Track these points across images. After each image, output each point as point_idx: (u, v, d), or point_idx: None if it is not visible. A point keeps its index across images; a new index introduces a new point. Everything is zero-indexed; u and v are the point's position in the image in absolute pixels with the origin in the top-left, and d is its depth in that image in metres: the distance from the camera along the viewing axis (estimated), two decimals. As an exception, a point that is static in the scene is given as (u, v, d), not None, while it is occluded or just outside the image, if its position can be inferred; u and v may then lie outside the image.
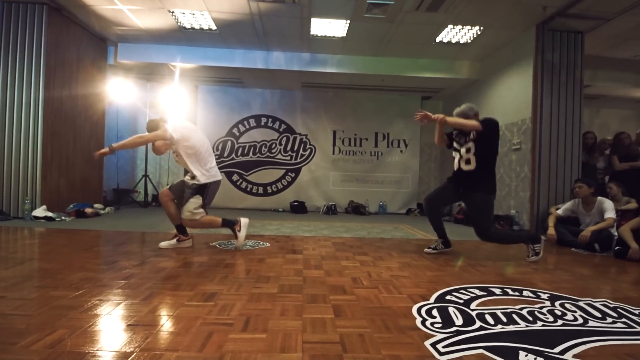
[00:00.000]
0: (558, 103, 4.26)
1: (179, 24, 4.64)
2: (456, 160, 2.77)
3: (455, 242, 3.51)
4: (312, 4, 4.01)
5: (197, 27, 4.73)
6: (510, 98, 4.78)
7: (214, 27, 4.69)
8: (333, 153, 6.81)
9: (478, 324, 1.43)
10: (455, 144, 2.80)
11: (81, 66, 4.80)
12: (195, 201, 2.66)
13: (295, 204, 6.38)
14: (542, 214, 4.15)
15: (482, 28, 4.44)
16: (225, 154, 6.68)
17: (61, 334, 1.19)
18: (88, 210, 4.42)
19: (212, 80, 6.36)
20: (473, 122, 2.55)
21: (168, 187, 2.80)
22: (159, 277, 1.94)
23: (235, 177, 6.69)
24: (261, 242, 3.12)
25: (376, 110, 6.83)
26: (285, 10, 4.16)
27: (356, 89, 6.52)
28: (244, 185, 6.72)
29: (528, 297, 1.82)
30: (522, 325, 1.44)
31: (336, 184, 6.80)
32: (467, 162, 2.66)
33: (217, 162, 6.64)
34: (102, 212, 4.74)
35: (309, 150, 6.79)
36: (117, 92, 5.55)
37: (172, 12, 4.32)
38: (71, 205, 4.43)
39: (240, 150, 6.70)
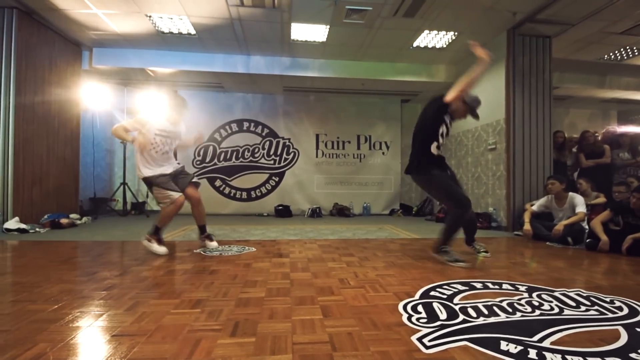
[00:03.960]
0: (530, 104, 4.47)
1: (156, 28, 4.56)
2: (435, 147, 2.55)
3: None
4: (292, 9, 4.04)
5: (175, 31, 4.66)
6: (485, 100, 4.90)
7: (193, 31, 4.64)
8: (316, 156, 6.84)
9: (461, 317, 1.49)
10: (444, 128, 2.57)
11: (54, 71, 4.63)
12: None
13: (280, 208, 6.37)
14: (518, 210, 4.32)
15: (456, 33, 4.60)
16: (207, 159, 6.59)
17: (42, 348, 1.15)
18: (64, 220, 4.25)
19: (192, 85, 6.28)
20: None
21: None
22: (143, 286, 1.90)
23: (218, 183, 6.61)
24: (247, 247, 3.09)
25: (358, 113, 6.92)
26: (265, 15, 4.17)
27: (338, 93, 6.60)
28: (227, 190, 6.64)
29: (507, 289, 1.90)
30: (502, 317, 1.50)
31: (320, 187, 6.83)
32: (439, 147, 2.57)
33: (198, 167, 6.63)
34: (78, 222, 4.56)
35: (292, 154, 6.79)
36: (93, 97, 5.39)
37: (150, 16, 4.25)
38: (46, 216, 4.24)
39: (223, 155, 6.62)
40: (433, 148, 2.52)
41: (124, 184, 5.82)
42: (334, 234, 4.06)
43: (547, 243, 3.47)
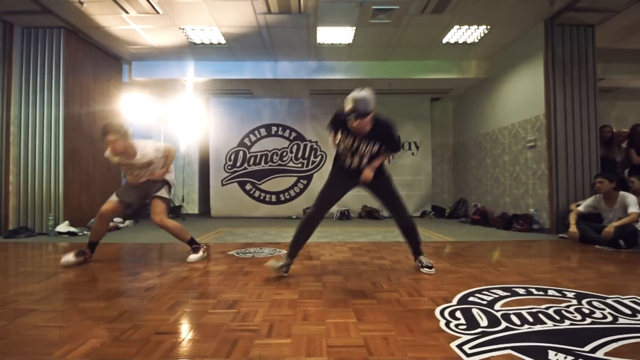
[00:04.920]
0: (572, 97, 4.19)
1: (189, 40, 4.78)
2: (347, 162, 2.27)
3: (474, 244, 3.47)
4: (318, 13, 4.07)
5: (207, 42, 4.85)
6: (522, 95, 4.72)
7: (223, 41, 4.81)
8: (344, 158, 6.81)
9: (504, 324, 1.41)
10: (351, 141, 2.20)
11: (98, 84, 4.98)
12: None
13: (308, 210, 6.39)
14: (562, 211, 4.05)
15: (488, 27, 4.42)
16: (238, 164, 6.78)
17: (93, 344, 1.23)
18: (110, 224, 4.53)
19: (223, 92, 6.49)
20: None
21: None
22: (182, 286, 1.98)
23: (248, 186, 6.77)
24: (278, 250, 3.14)
25: (385, 113, 6.78)
26: (291, 20, 4.24)
27: (364, 94, 6.54)
28: (257, 194, 6.78)
29: (553, 296, 1.79)
30: (549, 325, 1.41)
31: (348, 189, 6.79)
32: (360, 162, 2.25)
33: (230, 172, 6.83)
34: (121, 225, 4.85)
35: (319, 157, 6.82)
36: (132, 108, 5.72)
37: (183, 28, 4.46)
38: (92, 220, 4.55)
39: (252, 159, 6.78)
40: (341, 158, 2.29)
41: (161, 189, 6.12)
42: (363, 237, 4.02)
43: (596, 246, 3.22)
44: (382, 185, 2.32)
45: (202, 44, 4.91)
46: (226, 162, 6.76)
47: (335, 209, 6.52)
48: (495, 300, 1.72)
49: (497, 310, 1.57)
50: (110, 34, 4.59)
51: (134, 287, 1.97)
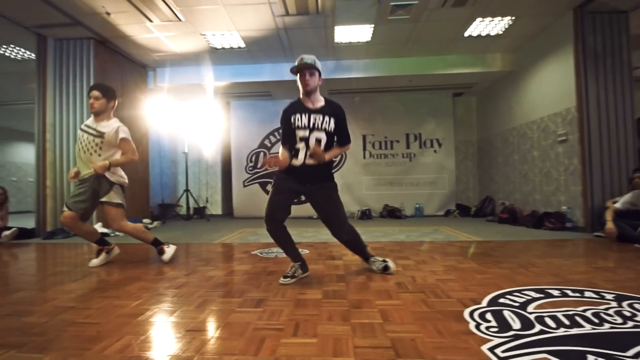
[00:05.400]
0: (605, 88, 3.96)
1: (210, 45, 4.89)
2: (301, 156, 2.05)
3: (503, 243, 3.36)
4: (336, 13, 4.06)
5: (227, 46, 4.95)
6: (551, 87, 4.51)
7: (242, 45, 4.89)
8: (364, 157, 6.77)
9: (538, 327, 1.35)
10: (300, 130, 2.04)
11: (125, 91, 5.18)
12: None
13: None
14: (597, 208, 3.84)
15: (513, 18, 4.25)
16: (259, 165, 6.87)
17: (128, 340, 1.28)
18: (139, 225, 4.71)
19: (243, 95, 6.60)
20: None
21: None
22: (209, 285, 2.03)
23: (269, 187, 6.84)
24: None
25: (406, 111, 6.72)
26: (309, 21, 4.25)
27: (384, 92, 6.48)
28: (278, 194, 6.84)
29: (591, 298, 1.69)
30: (587, 328, 1.34)
31: (369, 188, 6.73)
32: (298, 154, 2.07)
33: (251, 173, 6.96)
34: (150, 226, 5.03)
35: (339, 156, 6.80)
36: (157, 113, 5.92)
37: (204, 34, 4.57)
38: (122, 222, 4.75)
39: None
40: (293, 157, 2.07)
41: (186, 190, 6.31)
42: (386, 236, 3.97)
43: (636, 245, 3.03)
44: (325, 192, 2.13)
45: (223, 48, 5.01)
46: (247, 164, 6.87)
47: (356, 209, 6.49)
48: (528, 302, 1.65)
49: (530, 313, 1.50)
50: (136, 42, 4.77)
51: (163, 285, 2.04)
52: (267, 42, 4.80)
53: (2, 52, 4.85)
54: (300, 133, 2.03)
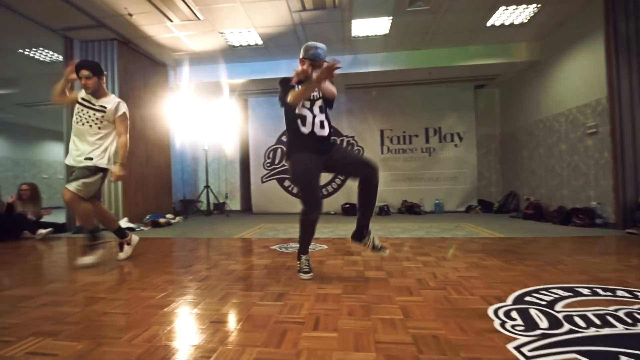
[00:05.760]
0: (639, 77, 3.73)
1: (228, 43, 4.95)
2: (309, 122, 2.02)
3: (528, 240, 3.25)
4: (353, 6, 4.01)
5: (244, 44, 4.99)
6: (580, 77, 4.30)
7: (260, 42, 4.92)
8: (382, 153, 6.70)
9: (567, 326, 1.31)
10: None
11: (147, 90, 5.33)
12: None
13: (347, 206, 6.38)
14: (629, 204, 3.65)
15: (539, 5, 4.07)
16: (277, 161, 6.93)
17: (155, 330, 1.33)
18: (162, 220, 4.87)
19: (260, 91, 6.65)
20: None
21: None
22: (230, 278, 2.07)
23: (287, 183, 6.90)
24: (318, 245, 3.16)
25: (425, 105, 6.58)
26: (326, 16, 4.22)
27: (402, 85, 6.36)
28: (295, 190, 6.89)
29: (623, 297, 1.62)
30: (619, 328, 1.28)
31: (387, 184, 6.66)
32: (322, 125, 2.05)
33: (269, 169, 7.05)
34: (173, 221, 5.18)
35: (356, 151, 6.75)
36: (178, 111, 6.06)
37: (222, 32, 4.62)
38: (147, 216, 4.92)
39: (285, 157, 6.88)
40: (300, 126, 2.02)
41: (207, 187, 6.44)
42: (405, 232, 3.92)
43: (674, 243, 2.87)
44: (339, 149, 2.10)
45: (240, 46, 5.06)
46: (265, 160, 6.94)
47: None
48: (556, 300, 1.59)
49: (559, 312, 1.45)
50: (157, 42, 4.88)
51: (187, 278, 2.10)
52: (284, 38, 4.81)
53: (32, 55, 5.08)
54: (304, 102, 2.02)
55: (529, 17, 4.36)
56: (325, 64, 1.83)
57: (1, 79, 6.08)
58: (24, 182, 4.42)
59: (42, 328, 1.37)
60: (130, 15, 4.09)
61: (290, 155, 2.06)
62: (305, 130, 2.02)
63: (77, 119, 2.57)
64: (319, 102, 2.06)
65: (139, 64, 5.17)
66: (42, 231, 3.99)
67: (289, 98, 1.93)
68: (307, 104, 2.04)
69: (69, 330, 1.34)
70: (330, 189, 6.81)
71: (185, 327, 1.38)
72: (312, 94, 2.02)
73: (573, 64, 4.43)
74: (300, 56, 2.07)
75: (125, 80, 4.83)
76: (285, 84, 2.03)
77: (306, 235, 2.13)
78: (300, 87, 1.94)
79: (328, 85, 2.04)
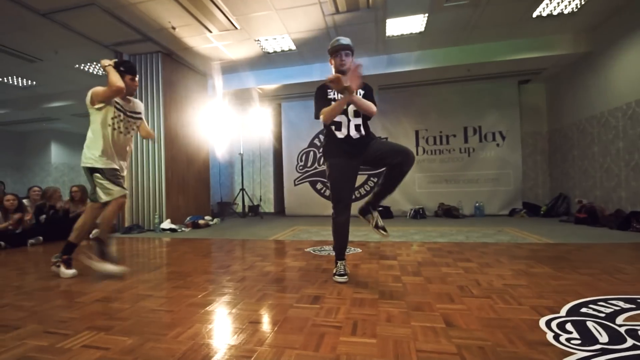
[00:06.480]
0: None
1: (263, 50, 5.08)
2: (344, 126, 2.06)
3: (581, 246, 2.99)
4: (387, 5, 3.95)
5: (278, 50, 5.10)
6: (638, 68, 3.90)
7: (293, 47, 5.00)
8: (417, 154, 6.50)
9: (630, 342, 1.18)
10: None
11: (189, 99, 5.62)
12: None
13: (380, 209, 6.25)
14: None
15: (592, -9, 3.76)
16: (309, 164, 6.98)
17: (198, 328, 1.38)
18: (201, 222, 5.09)
19: (293, 96, 6.75)
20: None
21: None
22: (266, 280, 2.11)
23: (319, 186, 6.93)
24: (352, 248, 3.13)
25: (463, 103, 6.31)
26: (359, 17, 4.19)
27: (438, 84, 6.15)
28: (327, 193, 6.85)
29: (701, 312, 1.43)
30: (693, 346, 1.13)
31: (422, 186, 6.46)
32: (357, 128, 2.07)
33: (301, 172, 7.12)
34: (211, 223, 5.40)
35: (365, 105, 6.61)
36: (216, 117, 6.32)
37: (258, 40, 4.76)
38: (188, 218, 5.16)
39: (322, 159, 6.90)
40: (335, 131, 2.06)
41: (242, 189, 6.65)
42: (443, 237, 3.77)
43: None
44: (373, 145, 2.08)
45: (275, 52, 5.17)
46: (298, 163, 7.02)
47: (408, 207, 6.27)
48: (616, 313, 1.44)
49: (620, 325, 1.32)
50: (197, 52, 5.13)
51: (226, 278, 2.16)
52: (317, 42, 4.85)
53: (86, 69, 5.54)
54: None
55: (578, 6, 4.04)
56: (350, 69, 1.91)
57: (60, 92, 6.71)
58: (73, 185, 4.64)
59: (96, 323, 1.48)
60: (174, 28, 4.34)
61: (326, 158, 2.14)
62: (341, 135, 2.06)
63: (117, 127, 2.34)
64: (353, 106, 2.06)
65: (181, 74, 5.46)
66: (95, 231, 4.30)
67: (322, 117, 2.00)
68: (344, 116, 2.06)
69: (119, 326, 1.43)
70: (362, 191, 6.74)
71: (226, 326, 1.42)
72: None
73: (629, 54, 4.03)
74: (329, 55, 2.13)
75: (168, 90, 5.12)
76: (319, 95, 2.08)
77: (340, 239, 2.12)
78: (334, 98, 2.02)
79: (362, 104, 2.01)
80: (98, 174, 2.28)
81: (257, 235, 4.18)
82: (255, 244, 3.58)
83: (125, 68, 2.36)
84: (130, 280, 2.18)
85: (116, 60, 2.40)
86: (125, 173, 2.45)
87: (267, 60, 5.51)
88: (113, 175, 2.31)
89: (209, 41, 4.75)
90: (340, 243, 2.13)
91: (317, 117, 2.06)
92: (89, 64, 5.36)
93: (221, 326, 1.41)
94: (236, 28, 4.38)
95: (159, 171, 4.98)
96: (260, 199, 7.30)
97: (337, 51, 2.08)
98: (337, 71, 2.09)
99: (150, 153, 5.01)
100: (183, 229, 4.79)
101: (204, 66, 5.72)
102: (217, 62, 5.53)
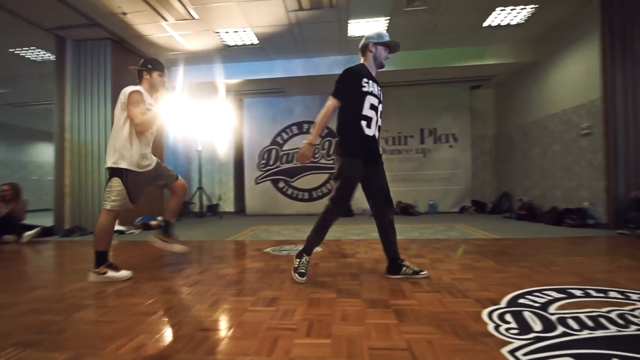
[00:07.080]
0: (634, 78, 3.75)
1: (223, 42, 4.90)
2: (374, 124, 2.03)
3: (521, 241, 3.26)
4: (350, 6, 3.99)
5: (240, 43, 4.95)
6: (575, 78, 4.33)
7: (255, 41, 4.88)
8: (377, 154, 6.68)
9: (560, 329, 1.30)
10: (372, 97, 2.00)
11: (140, 91, 5.26)
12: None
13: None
14: (621, 204, 3.67)
15: (536, 6, 4.08)
16: (271, 162, 6.88)
17: (142, 339, 1.29)
18: (153, 222, 4.81)
19: (256, 92, 6.61)
20: (326, 106, 2.05)
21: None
22: (222, 283, 2.03)
23: (281, 184, 6.86)
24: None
25: (420, 105, 6.59)
26: (322, 16, 4.20)
27: (397, 86, 6.36)
28: (289, 191, 6.85)
29: (616, 298, 1.62)
30: (612, 330, 1.28)
31: (382, 184, 6.65)
32: (379, 129, 2.10)
33: (263, 170, 7.01)
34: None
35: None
36: (173, 111, 5.99)
37: (218, 32, 4.58)
38: (139, 219, 4.85)
39: (285, 157, 6.85)
40: (364, 127, 2.02)
41: (200, 188, 6.38)
42: (399, 234, 3.84)
43: (666, 243, 2.89)
44: (382, 167, 2.12)
45: (236, 45, 5.02)
46: (259, 161, 6.89)
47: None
48: (549, 302, 1.58)
49: (552, 314, 1.44)
50: (151, 41, 4.82)
51: (177, 283, 2.06)
52: (280, 38, 4.78)
53: (22, 54, 4.99)
54: (372, 100, 1.99)
55: (525, 18, 4.38)
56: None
57: (-10, 78, 5.99)
58: (4, 183, 4.18)
59: (24, 338, 1.33)
60: (124, 14, 4.03)
61: (345, 155, 2.00)
62: (370, 132, 2.00)
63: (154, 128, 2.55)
64: (381, 107, 2.06)
65: (133, 63, 5.04)
66: (29, 233, 3.91)
67: (333, 101, 2.01)
68: (375, 101, 2.01)
69: (51, 340, 1.30)
70: (324, 190, 6.79)
71: (174, 335, 1.34)
72: (375, 93, 2.01)
73: (568, 64, 4.46)
74: (373, 41, 2.06)
75: (119, 81, 4.75)
76: (352, 80, 1.97)
77: (320, 236, 2.08)
78: (370, 91, 1.99)
79: (321, 123, 2.10)
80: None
81: (214, 236, 4.04)
82: (213, 245, 3.45)
83: (152, 65, 2.48)
84: (67, 289, 1.99)
85: (143, 59, 2.50)
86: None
87: (228, 54, 5.33)
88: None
89: (164, 30, 4.48)
90: (318, 240, 2.09)
91: (336, 96, 1.99)
92: (25, 48, 4.82)
93: (168, 336, 1.33)
94: (194, 18, 4.18)
95: (103, 166, 4.60)
96: (220, 198, 7.07)
97: (389, 47, 2.10)
98: (379, 62, 2.09)
99: (95, 147, 4.61)
100: (132, 230, 4.49)
101: (159, 57, 5.38)
102: (173, 53, 5.24)
